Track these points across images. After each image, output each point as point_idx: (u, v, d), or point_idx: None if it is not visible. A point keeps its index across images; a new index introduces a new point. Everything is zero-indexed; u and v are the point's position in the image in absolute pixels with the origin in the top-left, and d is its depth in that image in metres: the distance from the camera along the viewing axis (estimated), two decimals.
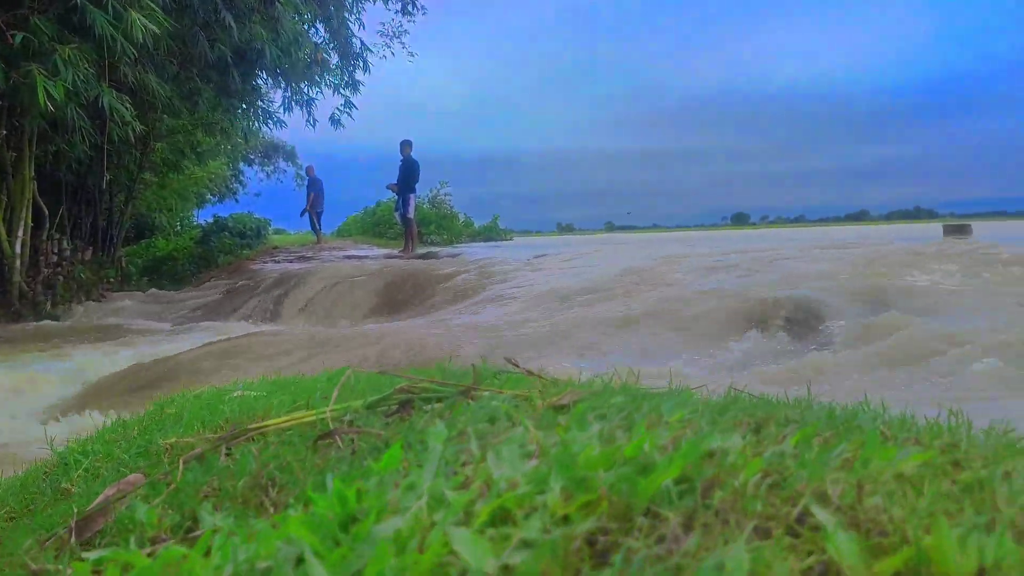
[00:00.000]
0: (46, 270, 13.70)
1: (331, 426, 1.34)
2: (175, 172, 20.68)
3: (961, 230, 13.12)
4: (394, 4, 18.08)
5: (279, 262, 17.18)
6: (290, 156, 33.60)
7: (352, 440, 1.28)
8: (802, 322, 5.54)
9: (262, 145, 30.58)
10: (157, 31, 10.04)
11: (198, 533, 1.03)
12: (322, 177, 21.93)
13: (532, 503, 0.81)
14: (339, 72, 17.12)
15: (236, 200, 30.23)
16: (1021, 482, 0.77)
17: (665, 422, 1.09)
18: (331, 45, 16.81)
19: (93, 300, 14.34)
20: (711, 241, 20.11)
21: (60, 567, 1.11)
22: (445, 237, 25.26)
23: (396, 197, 17.48)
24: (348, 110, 17.10)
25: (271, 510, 1.10)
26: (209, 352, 6.00)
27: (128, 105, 11.07)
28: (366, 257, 16.25)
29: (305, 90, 16.38)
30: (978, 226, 17.19)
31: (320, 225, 22.34)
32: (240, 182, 30.37)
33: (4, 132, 12.22)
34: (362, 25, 17.19)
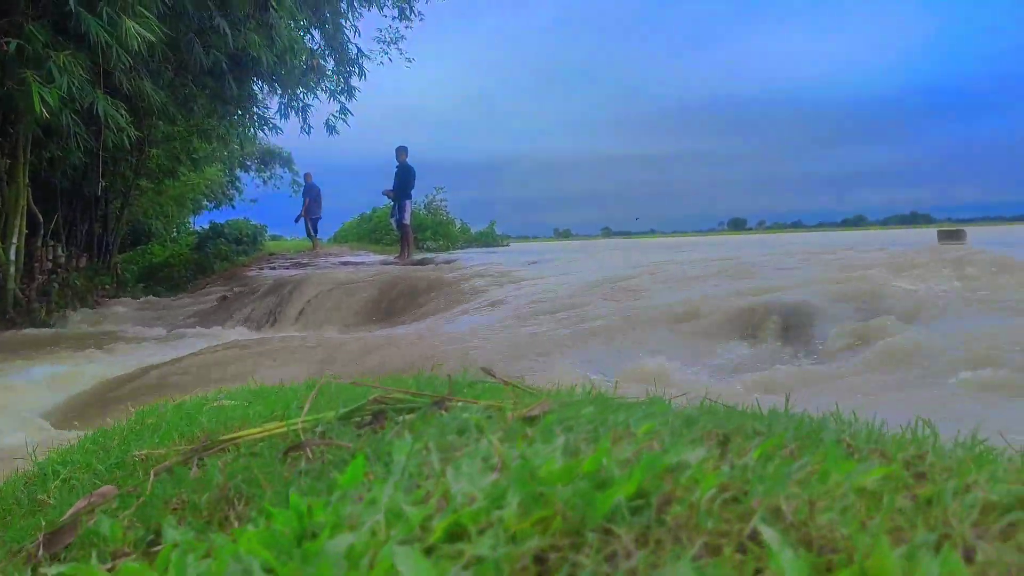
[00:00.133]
0: (41, 277, 13.67)
1: (302, 437, 1.34)
2: (171, 178, 20.67)
3: (955, 235, 13.13)
4: (390, 11, 18.10)
5: (275, 268, 17.16)
6: (287, 162, 33.62)
7: (322, 452, 1.27)
8: (791, 329, 5.53)
9: (259, 151, 30.58)
10: (152, 39, 10.03)
11: (160, 548, 1.02)
12: (319, 183, 21.94)
13: (489, 519, 0.81)
14: (335, 78, 17.13)
15: (233, 206, 30.27)
16: (974, 497, 0.77)
17: (632, 434, 1.09)
18: (327, 51, 16.82)
19: (88, 307, 14.31)
20: (706, 246, 20.13)
21: None
22: (441, 243, 25.27)
23: (392, 203, 17.48)
24: (344, 116, 17.09)
25: (235, 524, 1.10)
26: (200, 360, 5.99)
27: (123, 111, 11.05)
28: (362, 263, 16.24)
29: (301, 96, 16.38)
30: (973, 231, 17.21)
31: (317, 231, 22.34)
32: (237, 188, 30.40)
33: None
34: (358, 31, 17.20)
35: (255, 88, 16.08)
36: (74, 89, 9.79)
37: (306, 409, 1.43)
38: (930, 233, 16.30)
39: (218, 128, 17.44)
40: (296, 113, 16.34)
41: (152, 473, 1.36)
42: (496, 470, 0.94)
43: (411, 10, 18.10)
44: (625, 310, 6.70)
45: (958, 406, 3.59)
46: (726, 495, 0.80)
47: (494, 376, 1.68)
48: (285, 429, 1.38)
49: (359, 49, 17.16)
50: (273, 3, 12.55)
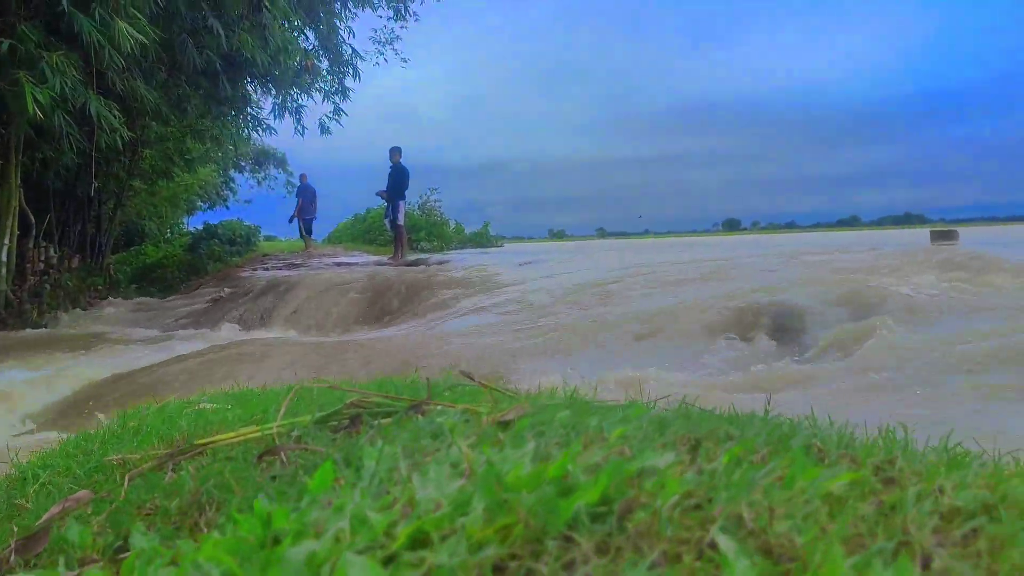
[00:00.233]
0: (32, 278, 13.62)
1: (277, 442, 1.33)
2: (165, 179, 20.63)
3: (948, 236, 13.16)
4: (385, 11, 18.09)
5: (268, 269, 17.12)
6: (281, 163, 33.58)
7: (296, 457, 1.26)
8: (781, 330, 5.54)
9: (253, 152, 30.54)
10: (145, 41, 10.01)
11: (127, 554, 1.01)
12: (314, 184, 21.91)
13: (453, 526, 0.80)
14: (329, 79, 17.11)
15: (227, 207, 30.24)
16: (938, 503, 0.76)
17: (604, 439, 1.08)
18: (321, 52, 16.81)
19: (80, 308, 14.27)
20: (700, 247, 20.15)
21: None
22: (435, 244, 25.28)
23: (386, 204, 17.45)
24: (337, 117, 17.08)
25: (205, 530, 1.09)
26: (189, 362, 5.98)
27: (116, 112, 11.03)
28: (355, 264, 16.22)
29: (295, 97, 16.36)
30: (967, 231, 17.23)
31: (312, 232, 22.32)
32: (231, 189, 30.35)
33: None
34: (352, 32, 17.19)
35: (249, 89, 16.06)
36: (67, 89, 9.77)
37: (281, 413, 1.42)
38: (923, 233, 16.34)
39: (212, 129, 17.41)
40: (290, 114, 16.34)
41: (126, 478, 1.35)
42: (465, 476, 0.94)
43: (406, 10, 18.11)
44: (615, 312, 6.70)
45: (943, 408, 3.60)
46: (690, 502, 0.80)
47: (473, 380, 1.67)
48: (260, 434, 1.38)
49: (353, 50, 17.16)
50: (266, 3, 12.52)
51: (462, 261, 15.24)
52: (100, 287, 16.54)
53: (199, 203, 28.47)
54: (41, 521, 1.35)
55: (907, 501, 0.76)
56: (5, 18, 9.83)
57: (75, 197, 16.45)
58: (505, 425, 1.24)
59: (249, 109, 17.04)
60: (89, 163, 14.76)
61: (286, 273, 15.17)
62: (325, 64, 16.97)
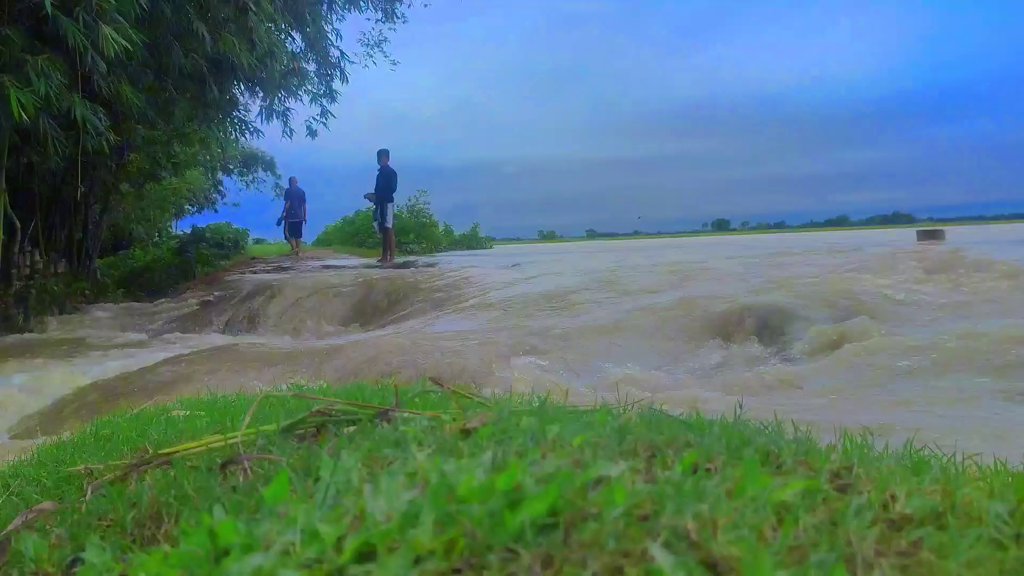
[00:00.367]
0: (18, 283, 13.55)
1: (241, 451, 1.32)
2: (153, 182, 20.55)
3: (934, 235, 13.25)
4: (373, 14, 18.08)
5: (256, 273, 17.07)
6: (269, 166, 33.41)
7: (259, 466, 1.25)
8: (767, 331, 5.55)
9: (241, 155, 30.43)
10: (129, 47, 9.96)
11: (82, 568, 1.00)
12: (304, 187, 21.90)
13: (402, 538, 0.80)
14: (316, 81, 17.09)
15: (215, 210, 30.11)
16: (882, 512, 0.76)
17: (564, 447, 1.08)
18: (308, 55, 16.78)
19: (67, 313, 14.19)
20: (689, 248, 20.21)
21: None
22: (424, 246, 25.26)
23: (374, 206, 17.42)
24: (324, 120, 17.05)
25: (161, 542, 1.08)
26: (174, 366, 5.95)
27: (102, 115, 10.99)
28: (343, 267, 16.19)
29: (282, 100, 16.32)
30: (954, 230, 17.32)
31: (302, 235, 22.30)
32: (219, 192, 30.23)
33: None
34: (339, 35, 17.16)
35: (236, 92, 16.01)
36: (52, 93, 9.72)
37: (245, 422, 1.41)
38: (910, 233, 16.43)
39: (199, 132, 17.36)
40: (277, 117, 16.30)
41: (89, 489, 1.34)
42: (420, 487, 0.93)
43: (393, 12, 18.10)
44: (598, 315, 6.70)
45: (920, 409, 3.61)
46: (641, 511, 0.79)
47: (442, 386, 1.66)
48: (224, 443, 1.37)
49: (341, 52, 17.14)
50: (252, 6, 12.49)
51: (450, 264, 15.24)
52: (87, 291, 16.44)
53: (187, 206, 28.37)
54: (2, 534, 1.34)
55: (849, 511, 0.76)
56: None
57: (61, 201, 16.35)
58: (468, 433, 1.24)
59: (236, 112, 17.00)
60: (75, 167, 14.68)
61: (274, 276, 15.13)
62: (313, 67, 16.95)
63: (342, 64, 17.09)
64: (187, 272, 19.37)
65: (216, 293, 14.10)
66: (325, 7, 16.35)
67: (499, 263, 14.24)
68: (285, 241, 22.37)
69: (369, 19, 18.24)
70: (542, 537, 0.75)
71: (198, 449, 1.39)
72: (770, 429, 1.28)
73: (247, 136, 17.65)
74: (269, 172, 33.64)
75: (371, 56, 18.83)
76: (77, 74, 10.45)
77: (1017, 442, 2.97)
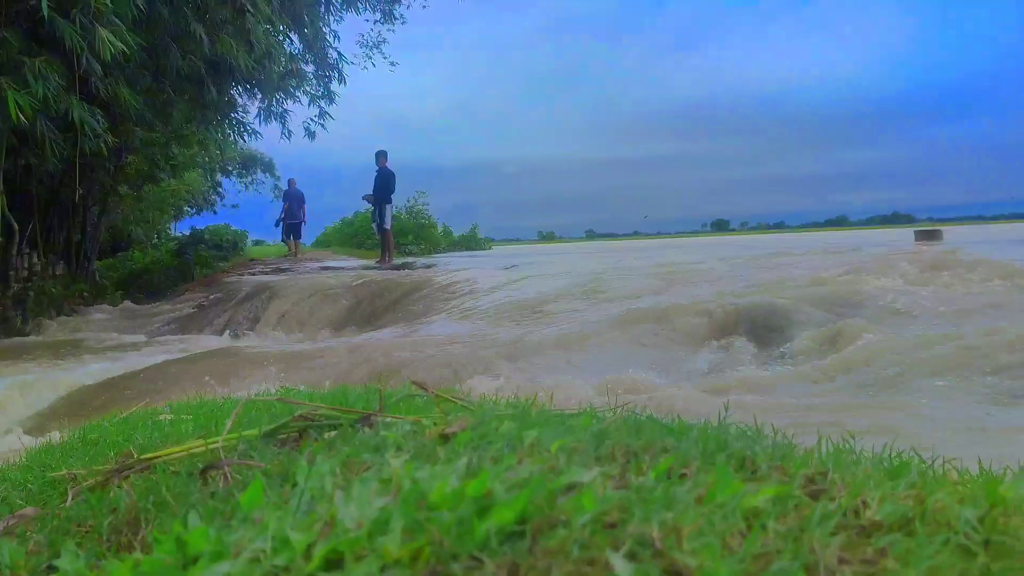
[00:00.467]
0: (16, 285, 13.54)
1: (222, 456, 1.32)
2: (151, 184, 20.54)
3: (932, 235, 13.25)
4: (372, 15, 18.09)
5: (255, 274, 17.06)
6: (268, 167, 33.40)
7: (239, 472, 1.25)
8: (762, 332, 5.55)
9: (240, 157, 30.42)
10: (126, 50, 9.96)
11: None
12: (303, 188, 21.94)
13: (371, 546, 0.80)
14: (315, 83, 17.09)
15: (215, 212, 30.11)
16: (837, 521, 0.76)
17: (541, 452, 1.08)
18: (307, 56, 16.78)
19: (65, 315, 14.19)
20: (688, 249, 20.21)
21: None
22: (423, 247, 25.26)
23: (372, 208, 17.43)
24: (322, 121, 17.05)
25: (138, 549, 1.08)
26: (170, 369, 5.95)
27: (100, 117, 10.98)
28: (342, 269, 16.18)
29: (280, 101, 16.32)
30: (953, 230, 17.31)
31: (300, 236, 22.32)
32: (218, 194, 30.22)
33: None
34: (337, 36, 17.16)
35: (234, 93, 16.00)
36: (49, 95, 9.72)
37: (228, 427, 1.41)
38: (909, 233, 16.42)
39: (197, 134, 17.36)
40: (275, 118, 16.30)
41: (70, 494, 1.34)
42: (393, 493, 0.93)
43: (392, 13, 18.10)
44: (596, 316, 6.70)
45: (909, 411, 3.61)
46: (609, 519, 0.79)
47: (426, 389, 1.66)
48: (205, 448, 1.37)
49: (339, 54, 17.14)
50: (249, 8, 12.48)
51: (448, 265, 15.25)
52: (86, 293, 16.44)
53: (186, 208, 28.37)
54: None
55: (814, 518, 0.76)
56: None
57: (60, 203, 16.34)
58: (447, 438, 1.24)
59: (234, 114, 17.00)
60: (73, 169, 14.68)
61: (273, 278, 15.12)
62: (311, 68, 16.96)
63: (340, 66, 17.09)
64: (186, 274, 19.37)
65: (214, 295, 14.10)
66: (323, 8, 16.35)
67: (497, 264, 14.24)
68: (284, 243, 22.41)
69: (368, 20, 18.26)
70: (509, 545, 0.75)
71: (180, 454, 1.39)
72: (750, 433, 1.28)
73: (245, 138, 17.66)
74: (268, 174, 33.65)
75: (370, 57, 18.85)
76: (75, 76, 10.45)
77: (1006, 443, 2.97)
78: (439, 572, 0.73)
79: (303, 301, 11.27)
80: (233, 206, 32.73)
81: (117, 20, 9.91)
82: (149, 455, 1.42)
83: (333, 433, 1.38)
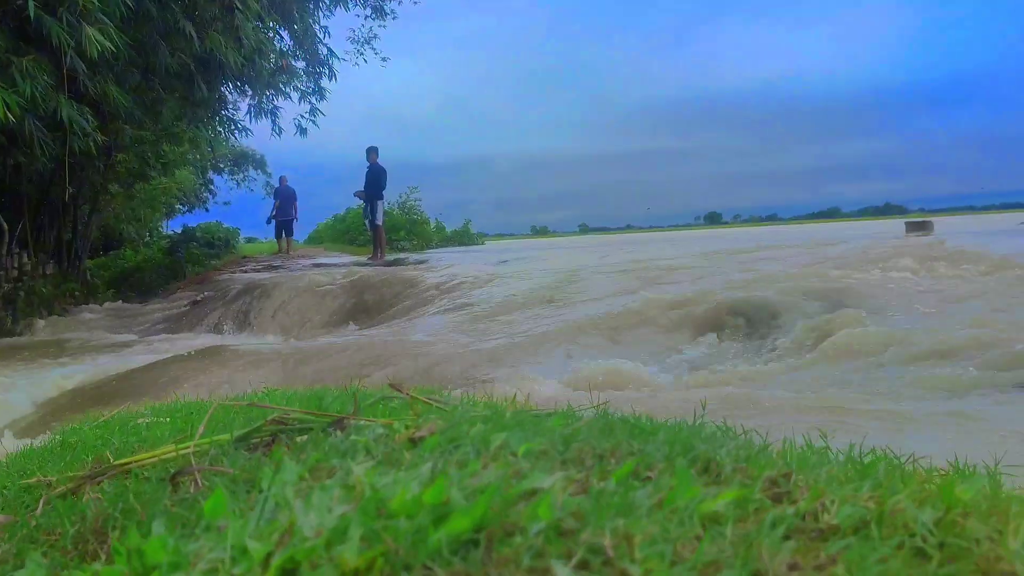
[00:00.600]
0: (6, 285, 13.48)
1: (192, 462, 1.31)
2: (142, 182, 20.46)
3: (922, 226, 13.27)
4: (362, 11, 18.02)
5: (247, 272, 17.01)
6: (260, 164, 33.32)
7: (208, 478, 1.25)
8: (750, 325, 5.56)
9: (232, 154, 30.35)
10: (113, 48, 9.91)
11: None
12: (296, 184, 21.93)
13: (328, 555, 0.79)
14: (305, 79, 17.03)
15: (206, 209, 30.04)
16: (794, 526, 0.76)
17: (507, 456, 1.07)
18: (297, 52, 16.71)
19: (56, 314, 14.14)
20: (679, 242, 20.23)
21: None
22: (416, 243, 25.23)
23: (364, 204, 17.42)
24: (313, 118, 17.00)
25: (103, 557, 1.07)
26: (158, 369, 5.94)
27: (89, 116, 10.93)
28: (334, 265, 16.14)
29: (271, 98, 16.26)
30: (944, 220, 17.31)
31: (293, 233, 22.29)
32: (210, 191, 30.16)
33: None
34: (327, 32, 17.09)
35: (224, 90, 15.94)
36: (37, 94, 9.67)
37: (200, 432, 1.41)
38: (900, 224, 16.44)
39: (188, 131, 17.29)
40: (266, 115, 16.24)
41: (41, 501, 1.34)
42: (355, 501, 0.93)
43: (383, 9, 18.04)
44: (584, 312, 6.71)
45: (892, 406, 3.61)
46: (566, 526, 0.79)
47: (401, 391, 1.66)
48: (176, 454, 1.36)
49: (329, 50, 17.07)
50: (238, 5, 12.43)
51: (440, 261, 15.25)
52: (77, 293, 16.38)
53: (178, 206, 28.29)
54: None
55: (765, 524, 0.76)
56: None
57: (50, 202, 16.26)
58: (416, 442, 1.23)
59: (225, 111, 16.94)
60: (63, 168, 14.60)
61: (264, 276, 15.07)
62: (301, 64, 16.89)
63: (330, 62, 17.03)
64: (177, 272, 19.31)
65: (206, 293, 14.06)
66: (312, 4, 16.29)
67: (489, 259, 14.25)
68: (276, 241, 22.42)
69: (358, 16, 18.20)
70: (464, 554, 0.75)
71: (151, 460, 1.38)
72: (720, 433, 1.28)
73: (236, 135, 17.60)
74: (260, 171, 33.58)
75: (361, 53, 18.79)
76: (63, 75, 10.39)
77: (987, 436, 2.98)
78: None
79: (294, 299, 11.25)
80: (225, 203, 32.70)
81: (105, 18, 9.85)
82: (121, 461, 1.41)
83: (305, 437, 1.38)
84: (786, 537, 0.78)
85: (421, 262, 15.04)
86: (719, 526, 0.77)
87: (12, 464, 2.01)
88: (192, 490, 1.25)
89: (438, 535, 0.75)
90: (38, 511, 1.31)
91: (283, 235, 21.84)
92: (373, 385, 2.08)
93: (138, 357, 7.81)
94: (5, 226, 13.60)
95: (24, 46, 9.89)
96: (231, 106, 17.08)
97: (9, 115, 9.39)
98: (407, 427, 1.32)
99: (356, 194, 17.26)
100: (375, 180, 16.81)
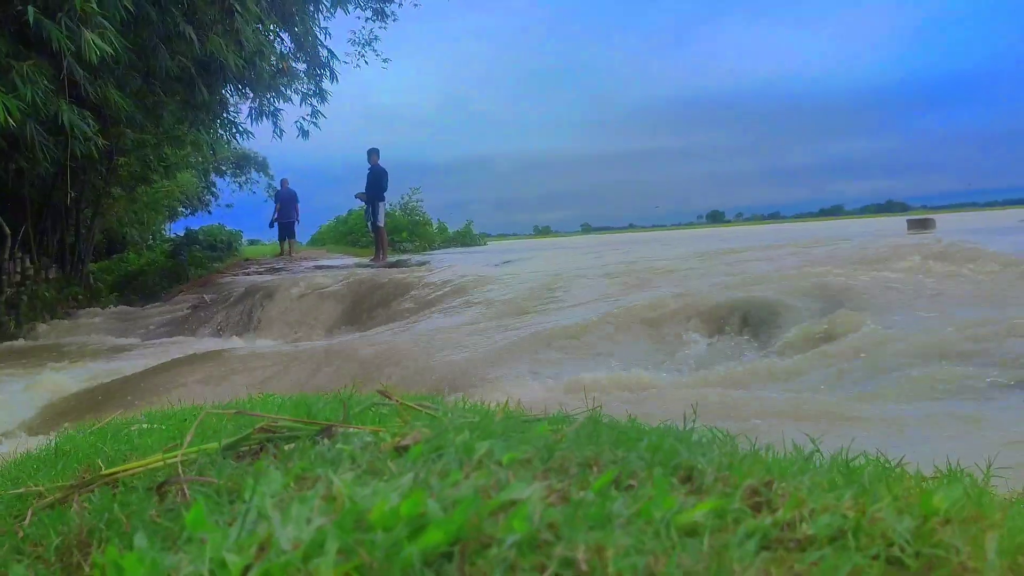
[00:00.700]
0: (9, 290, 13.52)
1: (180, 472, 1.31)
2: (144, 185, 20.51)
3: (924, 224, 13.24)
4: (362, 13, 18.05)
5: (249, 274, 17.04)
6: (262, 167, 33.36)
7: (195, 488, 1.25)
8: (750, 326, 5.55)
9: (234, 156, 30.39)
10: (112, 53, 9.93)
11: None
12: (297, 187, 21.99)
13: (306, 568, 0.79)
14: (306, 81, 17.04)
15: (209, 212, 30.09)
16: (770, 537, 0.76)
17: (490, 465, 1.07)
18: (297, 54, 16.73)
19: (59, 318, 14.18)
20: (677, 242, 20.23)
21: None
22: (418, 244, 25.26)
23: (366, 205, 17.46)
24: (315, 120, 17.01)
25: (87, 570, 1.07)
26: (160, 373, 5.94)
27: (90, 120, 10.95)
28: (336, 267, 16.16)
29: (271, 100, 16.28)
30: (947, 218, 17.28)
31: (295, 235, 22.36)
32: (212, 194, 30.20)
33: None
34: (328, 34, 17.11)
35: (225, 93, 15.96)
36: (38, 99, 9.69)
37: (187, 441, 1.41)
38: (902, 222, 16.41)
39: (189, 134, 17.32)
40: (267, 117, 16.26)
41: (29, 512, 1.34)
42: (335, 513, 0.93)
43: (383, 11, 18.06)
44: (584, 313, 6.70)
45: (887, 408, 3.60)
46: (543, 537, 0.79)
47: (390, 398, 1.66)
48: (162, 463, 1.36)
49: (330, 51, 17.08)
50: (237, 8, 12.44)
51: (442, 262, 15.26)
52: (80, 296, 16.42)
53: (180, 209, 28.35)
54: None
55: (737, 535, 0.76)
56: None
57: (52, 206, 16.30)
58: (402, 451, 1.23)
59: (226, 114, 16.97)
60: (65, 172, 14.63)
61: (266, 278, 15.09)
62: (302, 67, 16.91)
63: (331, 63, 17.04)
64: (180, 275, 19.35)
65: (208, 296, 14.08)
66: (312, 7, 16.31)
67: (491, 260, 14.27)
68: (279, 243, 22.50)
69: (359, 18, 18.22)
70: (438, 567, 0.75)
71: (139, 469, 1.38)
72: (706, 439, 1.27)
73: (237, 138, 17.63)
74: (262, 173, 33.63)
75: (362, 55, 18.82)
76: (63, 79, 10.41)
77: (987, 437, 2.97)
78: None
79: (296, 301, 11.26)
80: (227, 206, 32.73)
81: (105, 22, 9.87)
82: (110, 470, 1.41)
83: (293, 446, 1.38)
84: (763, 548, 0.77)
85: (423, 263, 15.05)
86: (697, 537, 0.77)
87: (6, 472, 2.01)
88: (178, 500, 1.25)
89: (413, 548, 0.75)
90: (26, 522, 1.31)
91: (285, 237, 21.91)
92: (375, 387, 2.08)
93: (140, 361, 7.82)
94: (8, 230, 13.64)
95: (24, 51, 9.91)
96: (232, 109, 17.13)
97: (10, 120, 9.41)
98: (393, 435, 1.32)
99: (358, 196, 17.30)
100: (376, 182, 16.85)
